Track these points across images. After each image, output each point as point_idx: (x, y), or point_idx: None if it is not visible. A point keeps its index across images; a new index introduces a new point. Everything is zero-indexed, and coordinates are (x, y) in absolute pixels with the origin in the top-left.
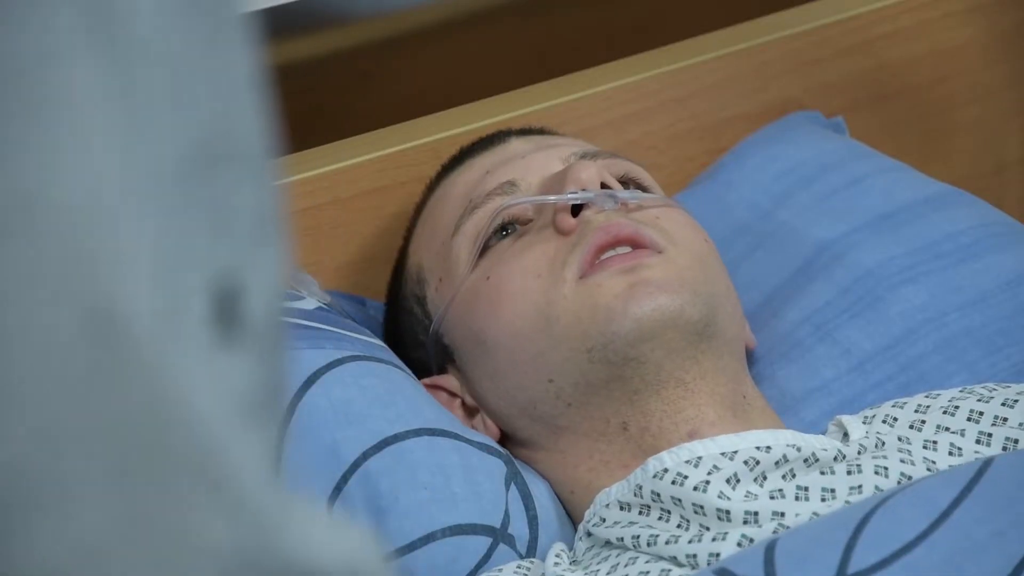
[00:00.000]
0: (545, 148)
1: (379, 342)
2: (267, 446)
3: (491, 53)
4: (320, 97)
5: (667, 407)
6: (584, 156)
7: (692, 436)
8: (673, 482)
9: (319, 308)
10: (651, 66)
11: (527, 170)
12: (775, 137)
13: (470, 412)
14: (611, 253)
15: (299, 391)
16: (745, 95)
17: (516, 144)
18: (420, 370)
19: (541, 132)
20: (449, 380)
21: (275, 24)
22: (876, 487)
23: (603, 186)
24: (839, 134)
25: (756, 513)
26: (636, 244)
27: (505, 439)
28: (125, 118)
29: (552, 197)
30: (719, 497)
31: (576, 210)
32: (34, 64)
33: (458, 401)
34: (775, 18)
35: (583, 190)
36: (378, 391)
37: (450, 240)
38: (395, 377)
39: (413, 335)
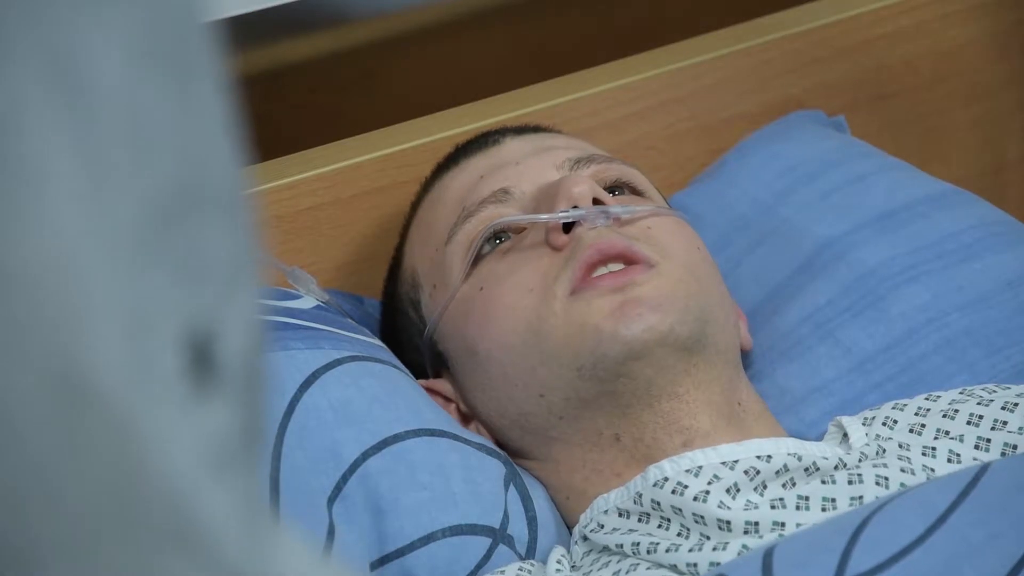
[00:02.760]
0: (540, 152)
1: (378, 342)
2: (246, 490)
3: (491, 53)
4: (320, 97)
5: (660, 419)
6: (578, 162)
7: (686, 446)
8: (673, 491)
9: (317, 307)
10: (651, 66)
11: (521, 177)
12: (777, 135)
13: (464, 419)
14: (603, 270)
15: (298, 392)
16: (745, 95)
17: (511, 145)
18: (416, 371)
19: (536, 130)
20: (444, 385)
21: (276, 24)
22: (877, 498)
23: (595, 201)
24: (841, 133)
25: (756, 523)
26: (628, 260)
27: (499, 447)
28: (89, 173)
29: (544, 216)
30: (719, 507)
31: (568, 225)
32: None
33: (453, 406)
34: (775, 18)
35: (575, 207)
36: (377, 391)
37: (444, 248)
38: (394, 377)
39: (408, 337)
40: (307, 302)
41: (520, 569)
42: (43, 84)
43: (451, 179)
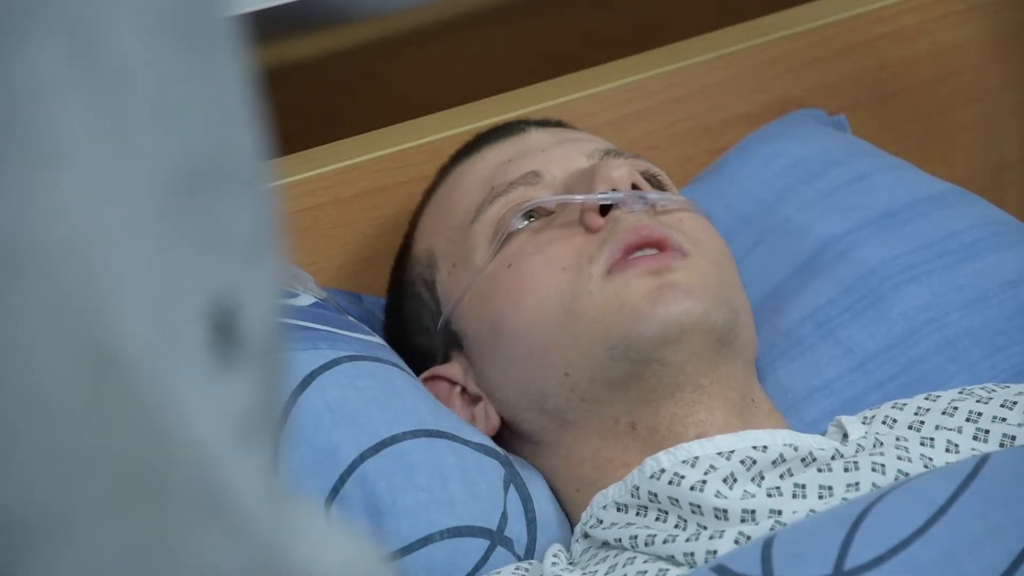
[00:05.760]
0: (566, 142)
1: (376, 340)
2: (266, 461)
3: (491, 53)
4: (320, 97)
5: (679, 410)
6: (608, 153)
7: (700, 438)
8: (670, 482)
9: (315, 305)
10: (651, 66)
11: (550, 162)
12: (779, 133)
13: (472, 401)
14: (638, 254)
15: (295, 392)
16: (745, 95)
17: (536, 135)
18: (421, 357)
19: (559, 125)
20: (452, 368)
21: (276, 24)
22: (873, 484)
23: (632, 187)
24: (842, 132)
25: (753, 511)
26: (663, 247)
27: (506, 433)
28: (113, 147)
29: (581, 196)
30: (716, 496)
31: (604, 208)
32: (20, 98)
33: (458, 389)
34: (775, 18)
35: (613, 190)
36: (375, 392)
37: (469, 226)
38: (392, 377)
39: (418, 320)
40: (304, 300)
41: (517, 568)
42: (64, 57)
43: (472, 163)
